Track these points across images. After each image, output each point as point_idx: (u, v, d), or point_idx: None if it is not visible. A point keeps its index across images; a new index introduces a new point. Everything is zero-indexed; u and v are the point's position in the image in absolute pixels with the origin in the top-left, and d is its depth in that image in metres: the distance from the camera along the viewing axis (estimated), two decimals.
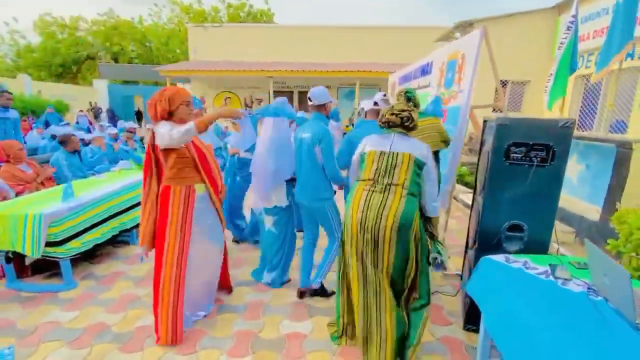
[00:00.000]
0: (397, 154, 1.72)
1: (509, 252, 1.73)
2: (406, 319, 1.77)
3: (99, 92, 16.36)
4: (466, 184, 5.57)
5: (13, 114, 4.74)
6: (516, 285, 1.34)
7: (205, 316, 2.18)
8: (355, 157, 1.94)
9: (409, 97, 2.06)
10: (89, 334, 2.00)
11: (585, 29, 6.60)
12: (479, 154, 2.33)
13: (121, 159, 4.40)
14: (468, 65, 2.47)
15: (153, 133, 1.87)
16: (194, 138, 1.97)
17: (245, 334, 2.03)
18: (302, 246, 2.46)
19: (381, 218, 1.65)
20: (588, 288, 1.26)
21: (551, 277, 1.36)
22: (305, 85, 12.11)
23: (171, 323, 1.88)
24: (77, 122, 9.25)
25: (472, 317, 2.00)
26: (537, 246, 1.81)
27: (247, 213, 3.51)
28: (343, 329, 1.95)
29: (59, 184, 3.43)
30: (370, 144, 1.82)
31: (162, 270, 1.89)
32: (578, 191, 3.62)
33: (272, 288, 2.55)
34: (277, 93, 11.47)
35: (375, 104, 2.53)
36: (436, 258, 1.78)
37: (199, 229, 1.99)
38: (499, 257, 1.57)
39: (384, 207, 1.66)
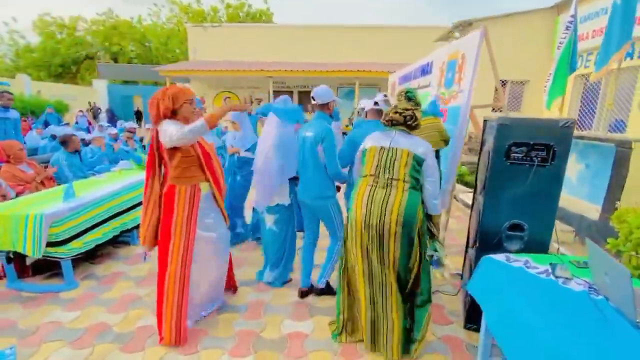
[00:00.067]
0: (396, 149, 1.76)
1: (510, 252, 1.74)
2: (409, 314, 1.81)
3: (98, 92, 16.34)
4: (466, 184, 5.58)
5: (13, 114, 4.74)
6: (517, 285, 1.34)
7: (219, 308, 2.22)
8: (358, 154, 1.97)
9: (410, 97, 2.07)
10: (91, 334, 2.01)
11: (584, 29, 6.62)
12: (479, 153, 2.33)
13: (121, 159, 4.41)
14: (468, 65, 2.47)
15: (157, 132, 1.85)
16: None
17: (247, 333, 2.03)
18: (303, 246, 2.47)
19: (385, 213, 1.68)
20: (589, 287, 1.27)
21: (552, 277, 1.36)
22: (305, 85, 12.11)
23: (175, 323, 1.88)
24: (77, 123, 9.25)
25: (472, 316, 2.00)
26: (538, 245, 1.82)
27: (247, 212, 3.51)
28: (343, 325, 1.97)
29: (59, 184, 3.43)
30: (371, 141, 1.86)
31: (166, 270, 1.89)
32: (578, 190, 3.63)
33: (273, 287, 2.56)
34: (276, 93, 11.46)
35: (376, 103, 2.54)
36: (432, 255, 1.79)
37: (204, 228, 1.99)
38: (500, 257, 1.58)
39: (387, 202, 1.69)
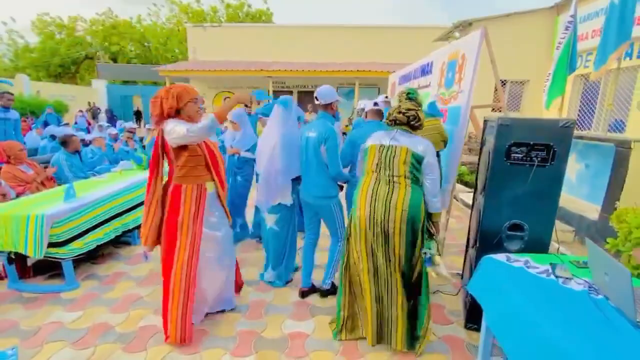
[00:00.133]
0: (395, 147, 1.79)
1: (510, 252, 1.75)
2: (412, 311, 1.84)
3: (97, 92, 16.32)
4: (466, 184, 5.59)
5: (13, 114, 4.74)
6: (518, 284, 1.35)
7: (232, 309, 2.23)
8: (360, 153, 2.01)
9: (411, 98, 2.09)
10: (93, 334, 2.01)
11: (583, 29, 6.63)
12: (480, 153, 2.34)
13: (121, 160, 4.41)
14: (468, 65, 2.48)
15: (162, 131, 1.84)
16: None
17: (248, 333, 2.04)
18: (304, 246, 2.47)
19: (389, 210, 1.71)
20: (589, 287, 1.28)
21: (552, 276, 1.37)
22: (305, 85, 12.12)
23: (180, 322, 1.88)
24: (76, 123, 9.24)
25: (473, 316, 2.01)
26: (538, 245, 1.83)
27: (249, 211, 3.52)
28: (343, 323, 1.98)
29: (59, 185, 3.43)
30: (372, 139, 1.90)
31: (172, 269, 1.89)
32: (577, 190, 3.64)
33: (274, 287, 2.57)
34: (276, 93, 11.46)
35: (375, 104, 2.55)
36: (425, 253, 1.80)
37: (209, 227, 2.00)
38: (500, 257, 1.59)
39: (391, 198, 1.72)
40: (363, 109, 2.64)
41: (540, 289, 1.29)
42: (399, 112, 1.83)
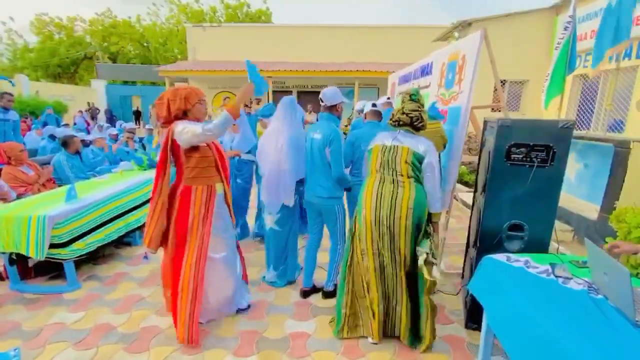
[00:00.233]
0: (397, 146, 1.82)
1: (510, 252, 1.76)
2: (414, 309, 1.89)
3: (97, 92, 16.31)
4: (466, 183, 5.60)
5: (13, 115, 4.74)
6: (518, 284, 1.36)
7: (248, 307, 2.25)
8: (365, 155, 2.04)
9: (414, 99, 2.12)
10: (95, 335, 2.02)
11: (582, 29, 6.65)
12: (480, 154, 2.36)
13: (121, 160, 4.41)
14: (468, 66, 2.49)
15: (170, 132, 1.82)
16: None
17: (250, 333, 2.05)
18: (307, 246, 2.48)
19: (395, 208, 1.74)
20: (588, 286, 1.29)
21: (552, 276, 1.38)
22: (305, 85, 12.12)
23: (188, 323, 1.88)
24: (75, 124, 9.24)
25: (473, 316, 2.02)
26: (538, 245, 1.84)
27: (250, 212, 3.53)
28: (344, 321, 2.00)
29: (60, 185, 3.43)
30: (376, 140, 1.93)
31: (181, 270, 1.90)
32: (576, 190, 3.66)
33: (275, 287, 2.57)
34: (276, 93, 11.47)
35: (374, 105, 2.57)
36: (419, 251, 1.81)
37: (216, 228, 2.00)
38: (500, 257, 1.60)
39: (397, 197, 1.75)
40: (362, 110, 2.66)
41: (540, 288, 1.31)
42: (402, 113, 1.86)
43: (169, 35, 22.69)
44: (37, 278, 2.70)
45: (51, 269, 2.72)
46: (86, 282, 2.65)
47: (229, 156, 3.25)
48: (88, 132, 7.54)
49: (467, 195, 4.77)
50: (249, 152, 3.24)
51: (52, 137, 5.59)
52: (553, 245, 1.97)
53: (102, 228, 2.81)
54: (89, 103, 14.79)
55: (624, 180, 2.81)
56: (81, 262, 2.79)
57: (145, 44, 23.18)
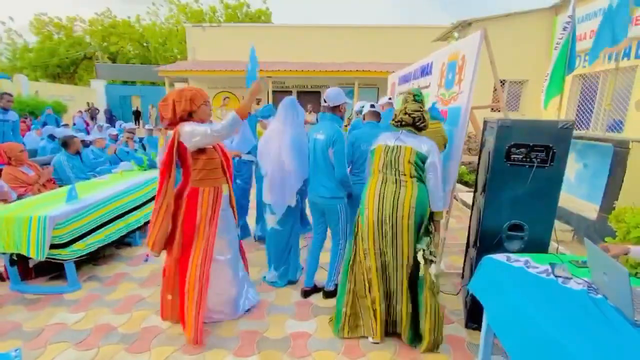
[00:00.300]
0: (400, 146, 1.83)
1: (510, 252, 1.77)
2: (414, 308, 1.90)
3: (96, 92, 16.30)
4: (465, 183, 5.61)
5: (12, 115, 4.74)
6: (518, 284, 1.37)
7: (255, 307, 2.26)
8: (368, 155, 2.05)
9: (417, 100, 2.14)
10: (96, 335, 2.02)
11: (582, 29, 6.65)
12: (479, 154, 2.36)
13: (121, 160, 4.41)
14: (468, 66, 2.50)
15: (176, 134, 1.81)
16: None
17: (251, 333, 2.05)
18: (311, 246, 2.50)
19: (397, 208, 1.76)
20: (588, 286, 1.30)
21: (552, 276, 1.39)
22: (304, 85, 12.12)
23: (194, 323, 1.89)
24: (74, 124, 9.23)
25: (473, 316, 2.03)
26: (538, 245, 1.85)
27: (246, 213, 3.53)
28: (345, 320, 2.01)
29: (60, 186, 3.43)
30: (378, 141, 1.95)
31: (187, 271, 1.90)
32: (576, 190, 3.67)
33: (275, 288, 2.58)
34: (276, 93, 11.47)
35: (372, 106, 2.59)
36: (417, 249, 1.82)
37: (222, 229, 2.01)
38: (500, 257, 1.60)
39: (399, 196, 1.77)
40: (360, 111, 2.67)
41: (540, 288, 1.31)
42: (405, 114, 1.87)
43: (169, 35, 22.67)
44: (37, 278, 2.70)
45: (52, 270, 2.72)
46: (86, 282, 2.65)
47: (232, 157, 3.26)
48: (87, 133, 7.53)
49: (467, 195, 4.78)
50: (249, 153, 3.24)
51: (52, 137, 5.59)
52: (553, 245, 1.98)
53: (103, 228, 2.81)
54: (88, 103, 14.78)
55: (623, 180, 2.82)
56: (81, 263, 2.79)
57: (144, 44, 23.16)
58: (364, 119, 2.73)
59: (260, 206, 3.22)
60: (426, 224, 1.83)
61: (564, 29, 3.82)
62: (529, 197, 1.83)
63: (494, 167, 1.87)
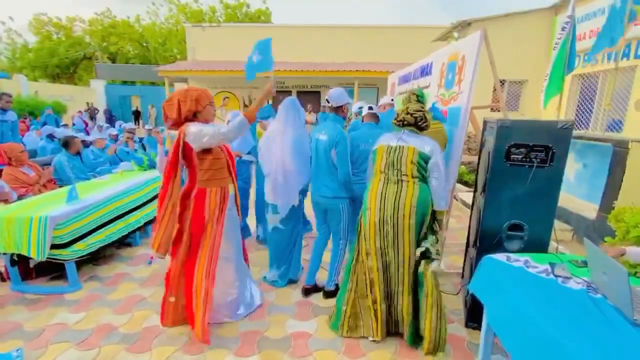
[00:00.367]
0: (403, 147, 1.84)
1: (510, 251, 1.77)
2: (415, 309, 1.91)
3: (96, 92, 16.28)
4: (465, 183, 5.62)
5: (11, 116, 4.74)
6: (518, 284, 1.37)
7: (259, 306, 2.28)
8: (370, 155, 2.06)
9: (420, 101, 2.16)
10: (97, 335, 2.03)
11: (581, 29, 6.66)
12: (479, 154, 2.37)
13: (121, 161, 4.41)
14: (468, 67, 2.50)
15: (182, 134, 1.80)
16: None
17: (252, 333, 2.06)
18: (314, 245, 2.51)
19: (399, 208, 1.77)
20: (587, 286, 1.30)
21: (551, 276, 1.40)
22: (304, 85, 12.12)
23: (201, 322, 1.90)
24: (74, 124, 9.22)
25: (473, 315, 2.04)
26: (537, 245, 1.86)
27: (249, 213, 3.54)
28: (344, 318, 2.02)
29: (61, 186, 3.44)
30: (381, 141, 1.96)
31: (195, 271, 1.91)
32: (575, 190, 3.68)
33: (276, 287, 2.58)
34: (275, 93, 11.44)
35: (370, 108, 2.61)
36: (422, 247, 1.83)
37: (227, 229, 2.02)
38: (500, 256, 1.61)
39: (400, 197, 1.78)
40: (359, 112, 2.68)
41: (540, 288, 1.32)
42: (407, 113, 1.89)
43: (168, 35, 22.66)
44: (38, 279, 2.70)
45: (52, 270, 2.73)
46: (87, 282, 2.66)
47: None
48: (87, 133, 7.53)
49: (467, 195, 4.78)
50: (248, 153, 3.25)
51: (50, 137, 5.59)
52: (552, 244, 1.99)
53: (103, 229, 2.81)
54: (88, 103, 14.77)
55: (622, 180, 2.82)
56: (82, 263, 2.79)
57: (144, 44, 23.15)
58: (362, 120, 2.74)
59: (261, 207, 3.22)
60: (430, 223, 1.85)
61: (563, 28, 3.83)
62: (529, 197, 1.84)
63: (494, 167, 1.87)
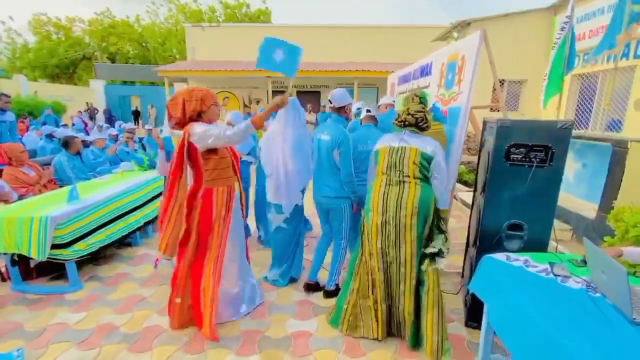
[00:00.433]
0: (405, 147, 1.85)
1: (510, 251, 1.78)
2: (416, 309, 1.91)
3: (95, 92, 16.26)
4: (465, 183, 5.63)
5: (9, 116, 4.74)
6: (518, 283, 1.38)
7: (261, 304, 2.30)
8: (371, 156, 2.07)
9: (423, 102, 2.17)
10: (98, 335, 2.03)
11: (580, 29, 6.68)
12: (479, 153, 2.37)
13: (121, 161, 4.41)
14: (468, 67, 2.50)
15: (186, 134, 1.80)
16: None
17: (252, 333, 2.06)
18: (319, 241, 2.53)
19: (401, 209, 1.78)
20: (587, 285, 1.31)
21: (551, 275, 1.40)
22: (304, 85, 12.12)
23: (209, 320, 1.90)
24: (73, 124, 9.21)
25: (473, 314, 2.04)
26: (537, 245, 1.86)
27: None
28: (345, 316, 2.03)
29: (61, 186, 3.44)
30: (382, 142, 1.96)
31: (203, 270, 1.92)
32: (575, 189, 3.68)
33: (276, 287, 2.59)
34: (275, 93, 11.46)
35: (369, 111, 2.62)
36: (434, 247, 1.85)
37: (233, 227, 2.03)
38: (500, 256, 1.61)
39: (402, 198, 1.79)
40: (358, 113, 2.69)
41: (539, 287, 1.32)
42: (408, 114, 1.89)
43: (168, 35, 22.65)
44: (38, 279, 2.70)
45: (53, 270, 2.73)
46: (87, 282, 2.66)
47: None
48: (86, 133, 7.52)
49: (466, 195, 4.79)
50: (248, 154, 3.26)
51: (50, 136, 5.58)
52: (552, 244, 2.00)
53: (104, 229, 2.82)
54: (87, 103, 14.76)
55: (621, 180, 2.83)
56: (82, 263, 2.79)
57: (144, 44, 23.13)
58: (361, 122, 2.75)
59: (261, 207, 3.22)
60: (437, 222, 1.87)
61: (562, 28, 3.84)
62: (529, 197, 1.85)
63: (494, 167, 1.88)
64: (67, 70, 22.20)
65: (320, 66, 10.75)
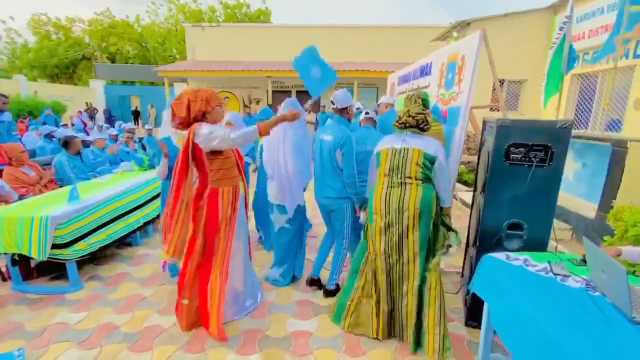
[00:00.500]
0: (407, 149, 1.85)
1: (510, 250, 1.78)
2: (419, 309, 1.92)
3: (95, 92, 16.26)
4: (465, 182, 5.63)
5: (7, 117, 4.73)
6: (517, 282, 1.38)
7: (261, 304, 2.31)
8: (372, 157, 2.07)
9: (425, 105, 2.18)
10: (98, 335, 2.03)
11: (580, 29, 6.69)
12: (479, 153, 2.38)
13: (121, 161, 4.41)
14: (468, 67, 2.51)
15: (191, 134, 1.80)
16: None
17: (252, 332, 2.07)
18: (323, 237, 2.55)
19: (403, 210, 1.79)
20: (586, 284, 1.31)
21: (550, 274, 1.41)
22: (304, 84, 12.13)
23: (217, 319, 1.90)
24: (73, 124, 9.20)
25: (473, 314, 2.05)
26: (537, 244, 1.87)
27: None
28: (347, 312, 2.04)
29: (61, 186, 3.44)
30: (384, 144, 1.97)
31: (211, 271, 1.93)
32: (574, 189, 3.69)
33: (277, 287, 2.59)
34: (275, 93, 11.47)
35: (367, 113, 2.63)
36: (450, 245, 1.88)
37: (237, 226, 2.04)
38: (500, 255, 1.62)
39: (404, 200, 1.80)
40: (357, 114, 2.70)
41: (539, 286, 1.33)
42: (409, 116, 1.90)
43: (168, 35, 22.65)
44: (39, 278, 2.70)
45: (53, 270, 2.73)
46: (88, 282, 2.66)
47: None
48: (86, 133, 7.51)
49: (466, 195, 4.79)
50: (247, 155, 3.26)
51: (49, 136, 5.57)
52: (552, 243, 2.00)
53: (104, 228, 2.82)
54: (87, 103, 14.75)
55: (621, 179, 2.84)
56: (83, 263, 2.80)
57: (144, 44, 23.13)
58: (360, 124, 2.76)
59: (261, 208, 3.21)
60: (444, 220, 1.90)
61: (561, 28, 3.84)
62: (528, 197, 1.85)
63: (494, 166, 1.88)
64: (67, 70, 22.20)
65: None
